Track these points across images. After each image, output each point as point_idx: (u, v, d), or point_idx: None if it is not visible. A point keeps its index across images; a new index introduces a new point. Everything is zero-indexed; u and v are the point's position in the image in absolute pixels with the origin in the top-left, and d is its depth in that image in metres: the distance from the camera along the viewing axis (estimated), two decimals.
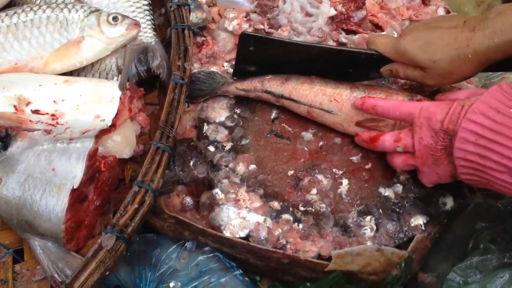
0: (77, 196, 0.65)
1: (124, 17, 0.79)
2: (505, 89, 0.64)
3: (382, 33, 0.97)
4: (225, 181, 0.79)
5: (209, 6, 1.00)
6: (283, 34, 0.95)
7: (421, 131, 0.69)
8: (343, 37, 0.94)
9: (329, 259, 0.71)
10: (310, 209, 0.77)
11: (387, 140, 0.74)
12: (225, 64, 0.93)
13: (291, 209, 0.77)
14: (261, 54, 0.82)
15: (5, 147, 0.67)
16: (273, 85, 0.84)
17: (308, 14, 0.97)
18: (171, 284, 0.70)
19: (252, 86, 0.85)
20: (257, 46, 0.81)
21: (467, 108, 0.64)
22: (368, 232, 0.74)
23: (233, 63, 0.93)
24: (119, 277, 0.72)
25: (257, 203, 0.76)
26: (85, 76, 0.81)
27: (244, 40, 0.81)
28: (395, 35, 0.96)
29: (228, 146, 0.83)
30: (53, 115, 0.70)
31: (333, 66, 0.82)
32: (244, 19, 0.96)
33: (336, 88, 0.81)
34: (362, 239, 0.74)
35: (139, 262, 0.73)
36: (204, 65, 0.93)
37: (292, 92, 0.83)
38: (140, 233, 0.73)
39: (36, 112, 0.70)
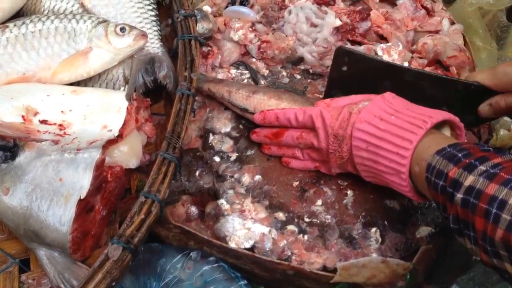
0: (84, 206, 0.66)
1: (132, 28, 0.79)
2: (387, 98, 0.70)
3: None
4: (231, 191, 0.79)
5: (214, 16, 1.00)
6: (289, 43, 0.96)
7: (319, 133, 0.74)
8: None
9: (334, 270, 0.71)
10: (315, 220, 0.77)
11: (292, 136, 0.78)
12: (232, 70, 0.94)
13: (296, 220, 0.77)
14: (353, 76, 0.80)
15: (13, 157, 0.67)
16: (239, 97, 0.83)
17: (314, 25, 0.97)
18: None
19: (220, 93, 0.85)
20: (351, 64, 0.79)
21: (355, 116, 0.69)
22: (374, 243, 0.74)
23: (237, 64, 0.94)
24: (124, 286, 0.72)
25: (262, 214, 0.77)
26: (93, 86, 0.81)
27: (339, 56, 0.79)
28: (400, 46, 0.96)
29: (234, 156, 0.83)
30: (60, 125, 0.70)
31: (426, 98, 0.76)
32: (250, 29, 0.97)
33: (304, 104, 0.80)
34: (367, 251, 0.74)
35: (144, 272, 0.73)
36: (209, 74, 0.94)
37: (257, 107, 0.82)
38: (145, 242, 0.72)
39: (44, 122, 0.70)
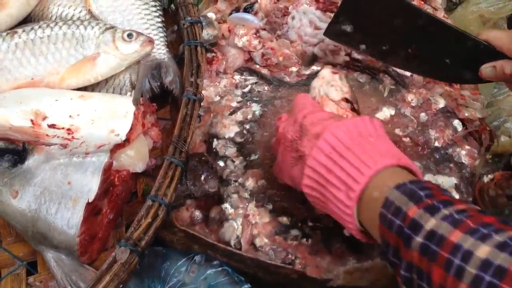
0: (92, 210, 0.66)
1: (139, 34, 0.80)
2: (372, 120, 0.64)
3: None
4: (235, 196, 0.80)
5: (219, 23, 1.01)
6: (296, 49, 0.96)
7: (288, 117, 0.71)
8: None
9: (338, 275, 0.71)
10: (319, 224, 0.77)
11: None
12: (236, 76, 0.95)
13: (299, 224, 0.77)
14: (365, 11, 0.78)
15: (22, 160, 0.68)
16: None
17: (317, 28, 0.98)
18: None
19: None
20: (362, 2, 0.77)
21: (333, 121, 0.64)
22: (377, 247, 0.75)
23: (241, 70, 0.95)
24: None
25: (266, 218, 0.77)
26: (100, 91, 0.82)
27: None
28: None
29: (238, 161, 0.84)
30: (69, 129, 0.71)
31: (434, 46, 0.78)
32: (254, 35, 0.98)
33: None
34: (371, 255, 0.74)
35: (148, 275, 0.74)
36: (213, 80, 0.95)
37: None
38: (150, 246, 0.73)
39: (52, 126, 0.71)
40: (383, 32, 0.80)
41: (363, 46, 0.84)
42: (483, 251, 0.43)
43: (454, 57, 0.78)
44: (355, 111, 0.84)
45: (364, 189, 0.57)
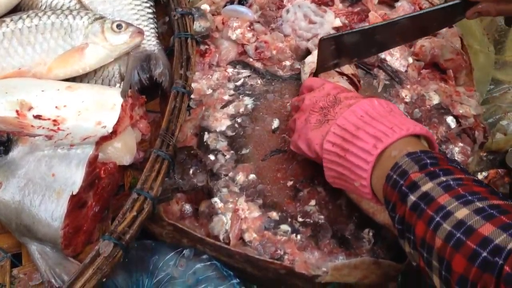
0: (76, 202, 0.66)
1: (128, 25, 0.79)
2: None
3: None
4: (225, 190, 0.79)
5: (213, 15, 1.00)
6: (290, 43, 0.96)
7: (317, 91, 0.75)
8: None
9: (326, 271, 0.71)
10: (309, 220, 0.77)
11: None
12: (229, 69, 0.94)
13: (289, 219, 0.77)
14: (343, 48, 0.83)
15: (6, 151, 0.67)
16: None
17: (312, 22, 0.97)
18: None
19: None
20: (338, 44, 0.82)
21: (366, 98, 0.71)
22: (366, 244, 0.74)
23: (234, 63, 0.94)
24: (116, 283, 0.72)
25: (256, 213, 0.77)
26: (88, 82, 0.81)
27: (324, 45, 0.82)
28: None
29: (228, 155, 0.83)
30: (54, 120, 0.70)
31: (418, 29, 0.84)
32: (248, 28, 0.97)
33: None
34: (359, 251, 0.74)
35: (137, 269, 0.73)
36: (206, 73, 0.94)
37: None
38: (138, 239, 0.73)
39: (38, 117, 0.70)
40: (367, 49, 0.85)
41: (355, 59, 0.88)
42: (461, 213, 0.49)
43: (441, 21, 0.85)
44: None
45: (388, 146, 0.62)
